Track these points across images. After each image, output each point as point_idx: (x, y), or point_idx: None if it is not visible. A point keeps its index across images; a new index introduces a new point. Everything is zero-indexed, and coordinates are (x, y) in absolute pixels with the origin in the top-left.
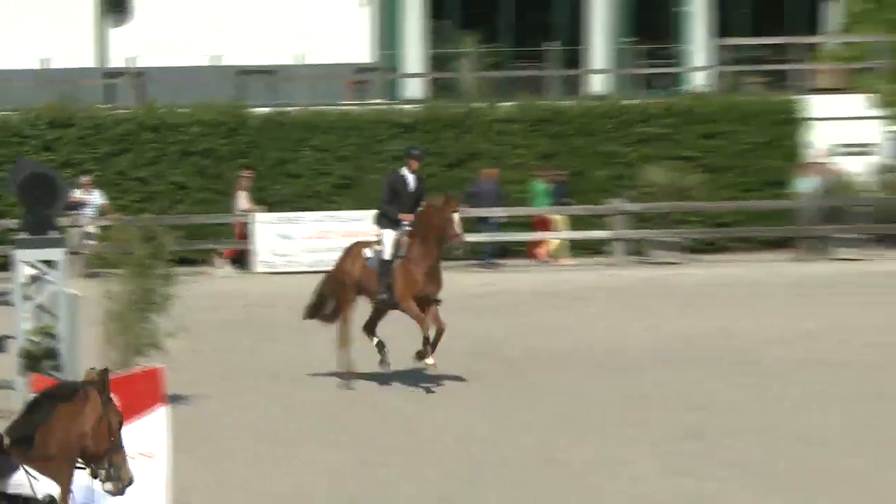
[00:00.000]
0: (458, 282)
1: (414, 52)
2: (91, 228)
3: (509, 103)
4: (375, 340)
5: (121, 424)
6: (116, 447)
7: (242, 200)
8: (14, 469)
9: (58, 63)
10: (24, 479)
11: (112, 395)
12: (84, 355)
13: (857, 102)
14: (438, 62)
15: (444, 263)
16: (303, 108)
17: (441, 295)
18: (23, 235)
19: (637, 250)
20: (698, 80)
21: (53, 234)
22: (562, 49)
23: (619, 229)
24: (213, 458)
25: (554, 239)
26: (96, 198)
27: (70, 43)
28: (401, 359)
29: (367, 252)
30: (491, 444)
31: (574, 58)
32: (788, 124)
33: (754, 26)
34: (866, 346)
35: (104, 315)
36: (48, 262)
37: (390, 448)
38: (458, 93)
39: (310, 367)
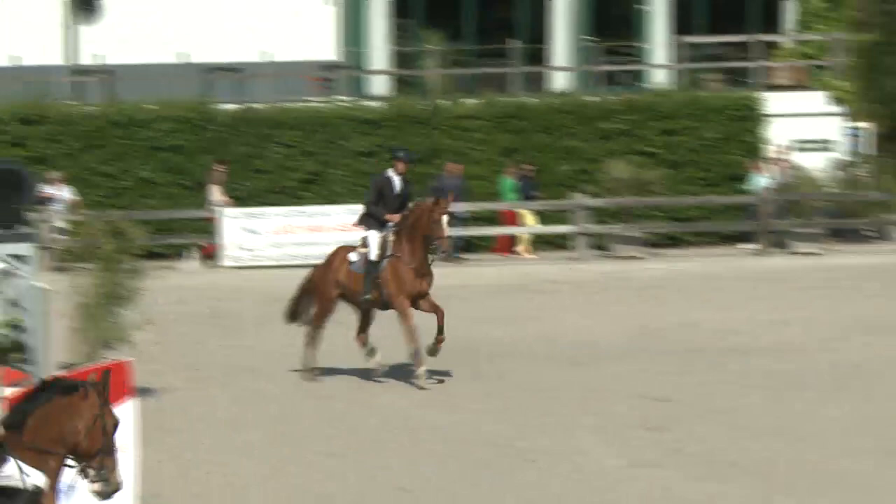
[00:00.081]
0: None
1: (379, 50)
2: (60, 223)
3: (473, 100)
4: (367, 349)
5: (115, 428)
6: (109, 450)
7: (215, 194)
8: (4, 461)
9: (28, 61)
10: (14, 471)
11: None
12: (53, 348)
13: (815, 99)
14: (403, 60)
15: None
16: (269, 105)
17: None
18: None
19: (599, 245)
20: (659, 77)
21: (23, 230)
22: (524, 46)
23: (582, 224)
24: (181, 450)
25: (519, 234)
26: (65, 193)
27: (39, 41)
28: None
29: (352, 256)
30: (453, 434)
31: (537, 55)
32: (747, 120)
33: (713, 24)
34: (825, 338)
35: (73, 308)
36: (18, 257)
37: (354, 439)
38: (422, 90)
39: (276, 360)
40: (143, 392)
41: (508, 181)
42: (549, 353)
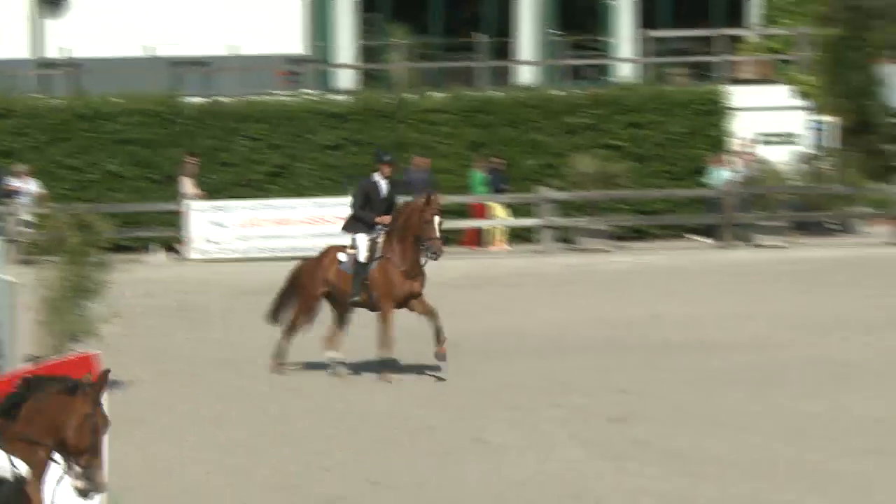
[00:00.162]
0: None
1: (345, 44)
2: (27, 216)
3: (439, 94)
4: (334, 355)
5: (105, 430)
6: (95, 450)
7: (187, 186)
8: None
9: None
10: (4, 462)
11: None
12: (20, 341)
13: (780, 93)
14: (369, 54)
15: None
16: (236, 98)
17: None
18: None
19: (565, 238)
20: (624, 72)
21: None
22: (490, 41)
23: (548, 217)
24: (148, 443)
25: (488, 226)
26: (32, 186)
27: (5, 34)
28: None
29: (342, 256)
30: (420, 426)
31: (502, 49)
32: (712, 114)
33: (679, 19)
34: (789, 331)
35: (39, 301)
36: None
37: (322, 432)
38: (388, 84)
39: (243, 353)
40: (109, 385)
41: (478, 174)
42: (516, 346)
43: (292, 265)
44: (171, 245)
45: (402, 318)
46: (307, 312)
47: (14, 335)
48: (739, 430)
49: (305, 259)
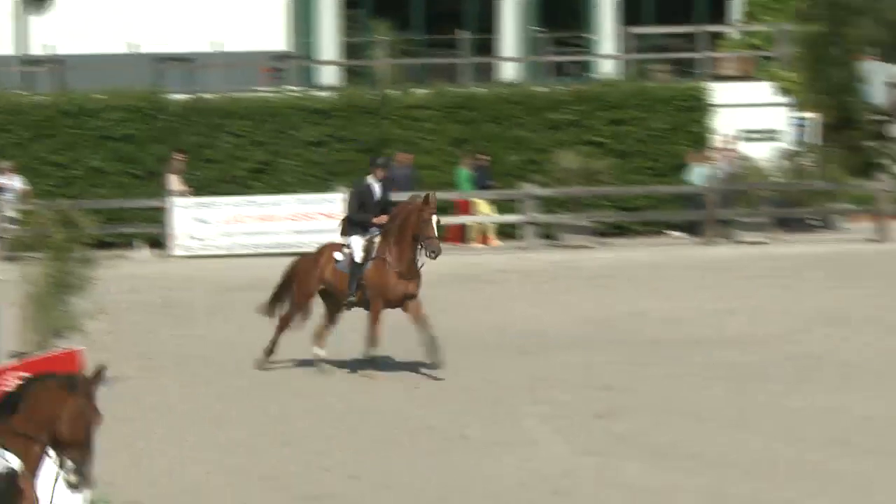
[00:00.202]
0: None
1: (328, 40)
2: (11, 213)
3: (422, 90)
4: (320, 352)
5: (98, 425)
6: (87, 444)
7: (174, 183)
8: None
9: None
10: None
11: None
12: (4, 337)
13: (761, 89)
14: (352, 50)
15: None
16: (219, 95)
17: None
18: None
19: (548, 234)
20: (607, 68)
21: None
22: (473, 37)
23: (530, 213)
24: (133, 439)
25: (472, 223)
26: (16, 183)
27: None
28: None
29: (338, 255)
30: (403, 422)
31: (485, 46)
32: (694, 111)
33: (661, 15)
34: (771, 327)
35: (24, 298)
36: None
37: (305, 428)
38: (371, 80)
39: (227, 349)
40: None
41: (464, 171)
42: (499, 343)
43: (287, 261)
44: (156, 241)
45: (394, 317)
46: (302, 309)
47: None
48: (723, 426)
49: (302, 255)
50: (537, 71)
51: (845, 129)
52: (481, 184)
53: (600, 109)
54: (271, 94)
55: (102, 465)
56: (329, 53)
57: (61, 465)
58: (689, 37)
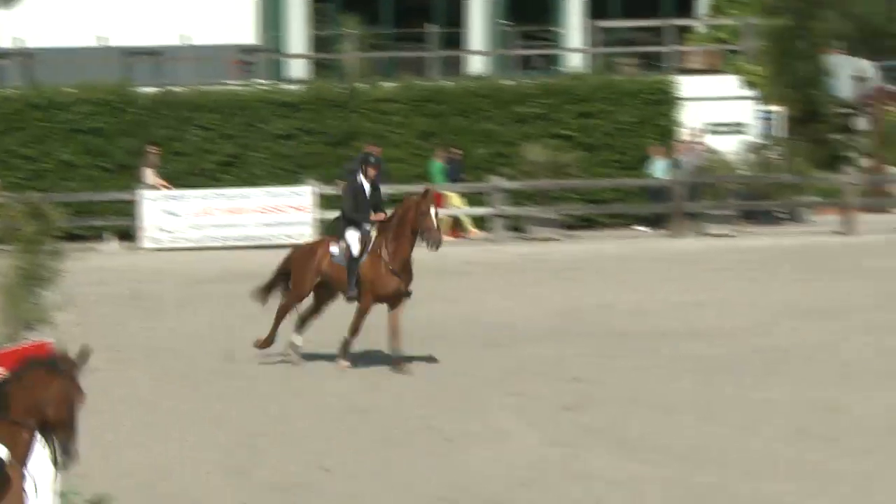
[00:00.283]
0: None
1: (297, 34)
2: None
3: (391, 84)
4: (297, 341)
5: (81, 404)
6: (72, 423)
7: (149, 176)
8: None
9: None
10: None
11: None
12: None
13: (728, 83)
14: (321, 43)
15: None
16: (189, 88)
17: None
18: None
19: (516, 227)
20: (574, 62)
21: None
22: (441, 31)
23: (499, 206)
24: (103, 431)
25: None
26: None
27: None
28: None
29: (334, 248)
30: (373, 415)
31: (453, 39)
32: (661, 104)
33: (628, 9)
34: (738, 319)
35: None
36: None
37: (274, 420)
38: (340, 73)
39: (197, 341)
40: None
41: (437, 164)
42: (467, 335)
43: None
44: (125, 234)
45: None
46: (300, 301)
47: None
48: (690, 418)
49: (297, 247)
50: (505, 64)
51: (811, 123)
52: (454, 177)
53: (568, 103)
54: (240, 88)
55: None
56: (298, 47)
57: (48, 446)
58: (655, 30)
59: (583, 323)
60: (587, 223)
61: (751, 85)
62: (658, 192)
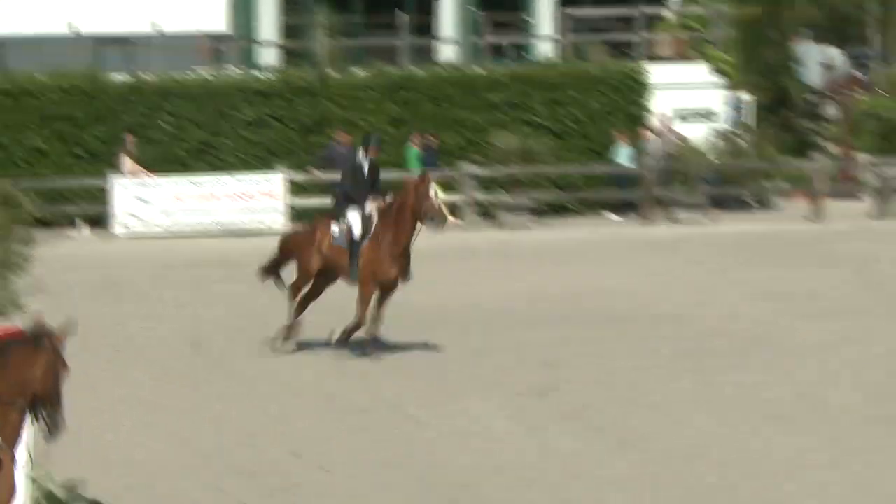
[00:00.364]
0: None
1: (268, 22)
2: None
3: (362, 71)
4: (296, 319)
5: (65, 375)
6: (58, 394)
7: (127, 164)
8: None
9: None
10: None
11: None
12: None
13: (698, 70)
14: (292, 31)
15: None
16: (160, 76)
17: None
18: None
19: (487, 213)
20: (545, 50)
21: None
22: (412, 18)
23: (470, 193)
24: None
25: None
26: None
27: None
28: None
29: (335, 229)
30: (346, 400)
31: (425, 27)
32: (632, 91)
33: None
34: (708, 305)
35: None
36: None
37: (248, 406)
38: (312, 61)
39: (168, 327)
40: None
41: (413, 150)
42: (439, 320)
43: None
44: (97, 221)
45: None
46: (307, 281)
47: None
48: (660, 403)
49: (294, 231)
50: (476, 52)
51: (781, 110)
52: (429, 163)
53: (538, 90)
54: (212, 75)
55: (38, 443)
56: (269, 35)
57: (37, 419)
58: (626, 19)
59: (554, 309)
60: (558, 210)
61: (720, 72)
62: (625, 179)
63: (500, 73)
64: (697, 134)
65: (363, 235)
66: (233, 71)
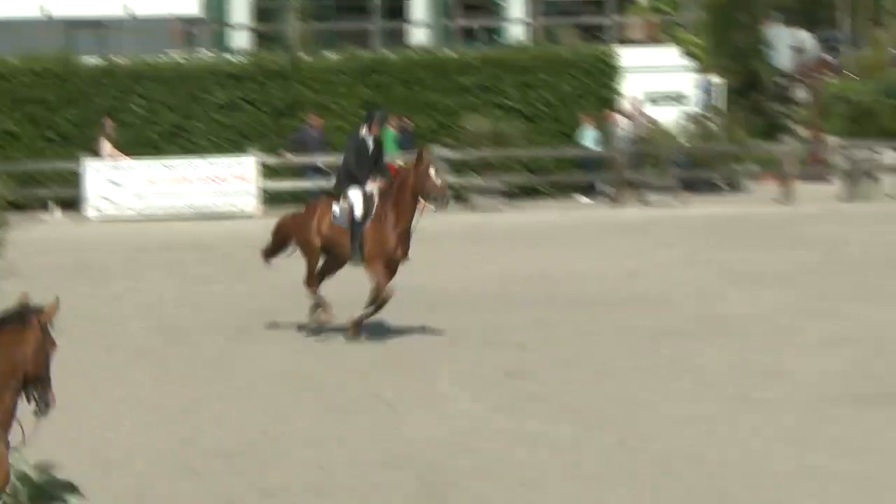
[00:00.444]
0: None
1: (241, 5)
2: None
3: (334, 55)
4: (318, 297)
5: (54, 353)
6: (47, 372)
7: (106, 148)
8: None
9: None
10: None
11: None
12: None
13: (668, 54)
14: (264, 14)
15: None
16: (132, 59)
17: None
18: None
19: (459, 196)
20: (516, 33)
21: None
22: (384, 2)
23: (441, 176)
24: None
25: None
26: None
27: None
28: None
29: (335, 209)
30: (317, 382)
31: (396, 10)
32: (602, 74)
33: None
34: (680, 286)
35: None
36: None
37: (218, 388)
38: (284, 44)
39: (142, 309)
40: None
41: (391, 133)
42: (410, 302)
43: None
44: (70, 204)
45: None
46: (316, 259)
47: None
48: (632, 384)
49: (292, 214)
50: (447, 35)
51: (751, 93)
52: (406, 146)
53: (510, 73)
54: (184, 59)
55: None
56: (241, 18)
57: (28, 399)
58: (597, 2)
59: (526, 291)
60: (530, 193)
61: (691, 56)
62: (591, 162)
63: (471, 56)
64: (668, 117)
65: (364, 216)
66: (205, 54)
